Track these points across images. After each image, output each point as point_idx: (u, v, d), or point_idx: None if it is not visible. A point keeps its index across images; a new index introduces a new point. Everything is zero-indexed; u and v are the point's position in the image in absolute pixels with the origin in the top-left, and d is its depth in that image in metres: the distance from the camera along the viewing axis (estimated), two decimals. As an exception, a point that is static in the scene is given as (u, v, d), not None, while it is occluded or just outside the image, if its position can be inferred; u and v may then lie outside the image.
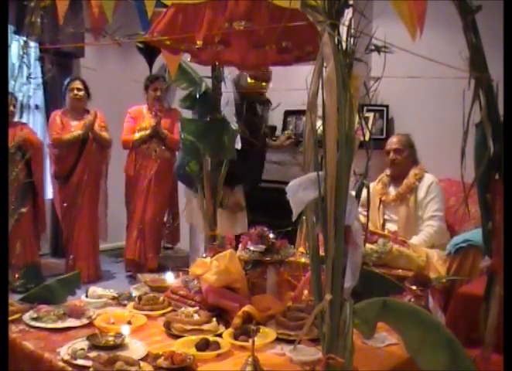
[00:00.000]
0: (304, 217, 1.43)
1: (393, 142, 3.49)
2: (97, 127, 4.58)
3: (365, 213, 1.67)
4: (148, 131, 4.62)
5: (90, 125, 4.50)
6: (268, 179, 4.46)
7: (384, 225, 3.46)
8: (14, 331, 2.03)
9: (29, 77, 2.40)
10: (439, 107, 3.89)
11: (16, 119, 4.16)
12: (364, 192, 1.57)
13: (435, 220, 3.30)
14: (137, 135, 4.64)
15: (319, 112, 1.35)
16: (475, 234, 2.80)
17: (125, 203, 4.84)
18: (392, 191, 3.49)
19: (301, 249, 3.03)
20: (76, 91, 4.53)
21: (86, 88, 4.58)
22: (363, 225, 1.50)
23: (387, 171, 3.55)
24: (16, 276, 3.92)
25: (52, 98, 5.18)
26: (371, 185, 3.51)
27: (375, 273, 2.53)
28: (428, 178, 3.38)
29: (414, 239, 3.24)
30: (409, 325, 1.38)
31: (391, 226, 3.41)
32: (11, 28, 4.12)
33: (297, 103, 3.33)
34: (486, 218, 1.54)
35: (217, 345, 1.89)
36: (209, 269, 2.24)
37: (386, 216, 3.49)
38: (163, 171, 4.70)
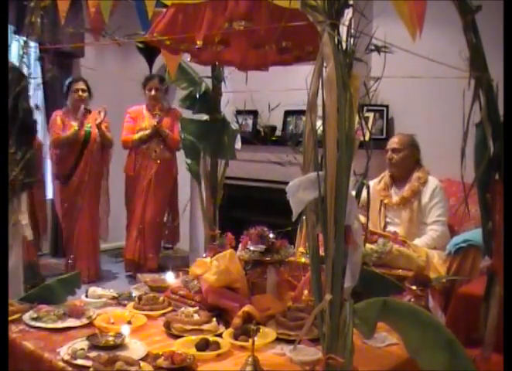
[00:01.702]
0: (304, 217, 1.43)
1: (393, 141, 3.47)
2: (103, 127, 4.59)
3: (365, 214, 1.67)
4: (147, 131, 4.62)
5: (99, 123, 4.51)
6: (268, 179, 4.46)
7: (385, 227, 3.43)
8: (14, 331, 2.03)
9: (29, 77, 2.41)
10: (439, 107, 3.89)
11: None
12: (364, 192, 1.57)
13: (438, 225, 3.28)
14: (136, 135, 4.64)
15: (319, 112, 1.35)
16: (475, 234, 2.80)
17: (125, 203, 4.84)
18: (394, 193, 3.45)
19: (301, 249, 3.03)
20: (81, 92, 4.52)
21: (88, 88, 4.58)
22: (363, 225, 1.50)
23: (388, 171, 3.52)
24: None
25: (52, 98, 5.17)
26: (372, 182, 3.51)
27: (375, 273, 2.53)
28: (433, 183, 3.34)
29: (416, 242, 3.23)
30: (409, 325, 1.38)
31: (393, 230, 3.38)
32: (11, 28, 4.12)
33: (297, 103, 3.33)
34: (486, 218, 1.54)
35: (217, 345, 1.89)
36: (209, 269, 2.24)
37: (388, 219, 3.46)
38: (163, 172, 4.70)
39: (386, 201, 3.44)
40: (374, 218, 3.45)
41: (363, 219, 1.95)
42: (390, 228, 3.41)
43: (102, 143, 4.64)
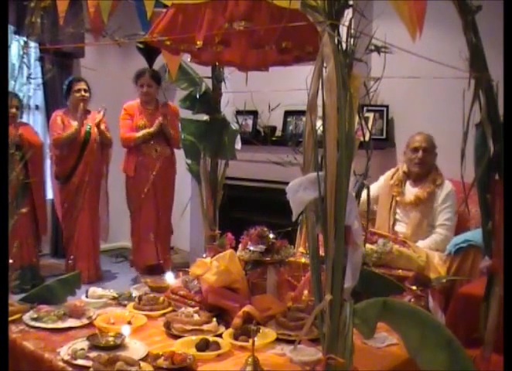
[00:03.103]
0: (301, 217, 1.43)
1: (421, 140, 3.38)
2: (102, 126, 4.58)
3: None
4: (151, 129, 4.49)
5: (99, 122, 4.49)
6: (268, 179, 4.46)
7: (394, 225, 3.40)
8: (14, 331, 2.03)
9: (29, 77, 2.40)
10: (439, 107, 3.89)
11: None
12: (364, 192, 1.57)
13: (443, 229, 3.26)
14: (139, 133, 4.51)
15: (319, 112, 1.35)
16: (475, 234, 2.80)
17: (128, 206, 4.70)
18: (409, 192, 3.40)
19: (301, 249, 3.03)
20: (83, 92, 4.51)
21: (89, 88, 4.58)
22: (363, 225, 1.50)
23: (405, 168, 3.45)
24: (12, 276, 3.91)
25: (52, 98, 5.18)
26: (383, 177, 3.49)
27: (375, 273, 2.53)
28: (447, 186, 3.31)
29: (419, 244, 3.22)
30: (409, 325, 1.38)
31: (401, 228, 3.36)
32: (11, 28, 4.12)
33: (297, 104, 3.34)
34: (486, 218, 1.54)
35: (217, 346, 1.89)
36: (209, 269, 2.25)
37: (397, 216, 3.42)
38: (165, 170, 4.61)
39: (398, 198, 3.40)
40: (384, 214, 3.41)
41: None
42: (399, 226, 3.39)
43: (102, 143, 4.64)
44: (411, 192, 3.41)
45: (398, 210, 3.43)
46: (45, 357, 1.84)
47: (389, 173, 3.54)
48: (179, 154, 4.24)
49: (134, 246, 4.68)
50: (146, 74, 4.61)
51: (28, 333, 2.03)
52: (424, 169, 3.39)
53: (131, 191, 4.65)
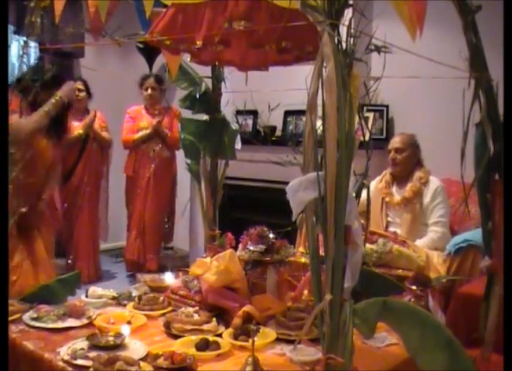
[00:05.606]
0: (300, 217, 1.44)
1: (395, 141, 3.46)
2: (97, 127, 4.58)
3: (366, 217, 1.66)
4: (148, 131, 4.62)
5: (90, 124, 4.50)
6: (268, 179, 4.46)
7: (387, 227, 3.42)
8: (14, 331, 2.03)
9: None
10: (439, 107, 3.89)
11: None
12: (364, 192, 1.57)
13: (439, 226, 3.26)
14: (137, 135, 4.64)
15: (319, 112, 1.35)
16: (475, 234, 2.80)
17: (126, 204, 4.84)
18: (396, 192, 3.44)
19: (301, 249, 3.03)
20: (77, 92, 4.52)
21: (87, 88, 4.58)
22: (363, 225, 1.50)
23: (390, 170, 3.51)
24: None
25: (53, 98, 5.16)
26: (373, 182, 3.50)
27: (375, 273, 2.53)
28: (434, 183, 3.33)
29: (418, 243, 3.22)
30: (409, 325, 1.38)
31: (395, 229, 3.36)
32: (11, 28, 4.12)
33: (297, 103, 3.34)
34: (486, 218, 1.54)
35: (217, 345, 1.89)
36: (209, 269, 2.25)
37: (389, 219, 3.45)
38: (162, 171, 4.69)
39: (387, 199, 3.43)
40: (376, 217, 3.43)
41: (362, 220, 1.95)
42: (392, 228, 3.40)
43: (98, 143, 4.65)
44: (398, 192, 3.44)
45: (389, 212, 3.46)
46: (45, 357, 1.83)
47: (378, 177, 3.57)
48: (180, 155, 4.25)
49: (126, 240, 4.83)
50: (151, 78, 4.73)
51: (28, 333, 2.03)
52: (401, 169, 3.42)
53: (129, 190, 4.80)
